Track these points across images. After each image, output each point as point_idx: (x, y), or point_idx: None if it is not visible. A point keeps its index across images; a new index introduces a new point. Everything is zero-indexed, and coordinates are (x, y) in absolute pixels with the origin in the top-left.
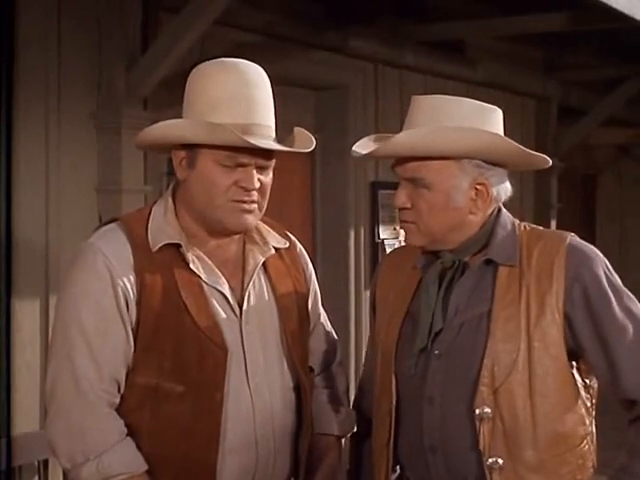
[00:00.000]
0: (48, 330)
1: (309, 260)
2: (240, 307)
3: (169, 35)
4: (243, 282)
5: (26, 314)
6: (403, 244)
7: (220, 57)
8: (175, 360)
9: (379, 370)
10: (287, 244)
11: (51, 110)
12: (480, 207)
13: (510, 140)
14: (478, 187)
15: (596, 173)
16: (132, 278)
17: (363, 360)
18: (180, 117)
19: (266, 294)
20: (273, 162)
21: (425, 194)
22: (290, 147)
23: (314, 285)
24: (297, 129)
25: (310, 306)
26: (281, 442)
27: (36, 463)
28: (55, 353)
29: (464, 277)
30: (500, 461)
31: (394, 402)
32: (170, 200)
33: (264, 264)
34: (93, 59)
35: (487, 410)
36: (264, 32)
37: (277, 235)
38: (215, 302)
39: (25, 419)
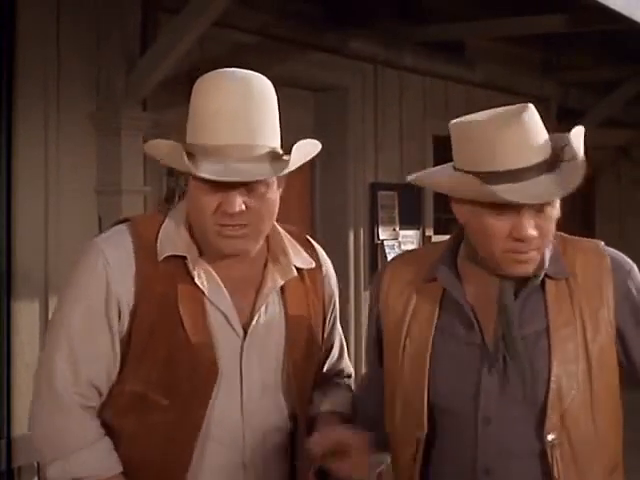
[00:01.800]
0: None
1: (334, 280)
2: (245, 329)
3: (168, 36)
4: (255, 303)
5: (25, 315)
6: (402, 249)
7: (219, 58)
8: (164, 374)
9: (401, 395)
10: (312, 264)
11: (50, 111)
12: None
13: None
14: None
15: (595, 174)
16: (130, 286)
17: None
18: (180, 118)
19: (277, 319)
20: (264, 182)
21: (551, 214)
22: (265, 173)
23: (334, 310)
24: (298, 145)
25: (325, 334)
26: (271, 469)
27: (35, 464)
28: (44, 350)
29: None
30: None
31: (425, 429)
32: (185, 209)
33: (282, 286)
34: (92, 60)
35: (556, 435)
36: (263, 33)
37: (304, 254)
38: (216, 321)
39: (24, 420)
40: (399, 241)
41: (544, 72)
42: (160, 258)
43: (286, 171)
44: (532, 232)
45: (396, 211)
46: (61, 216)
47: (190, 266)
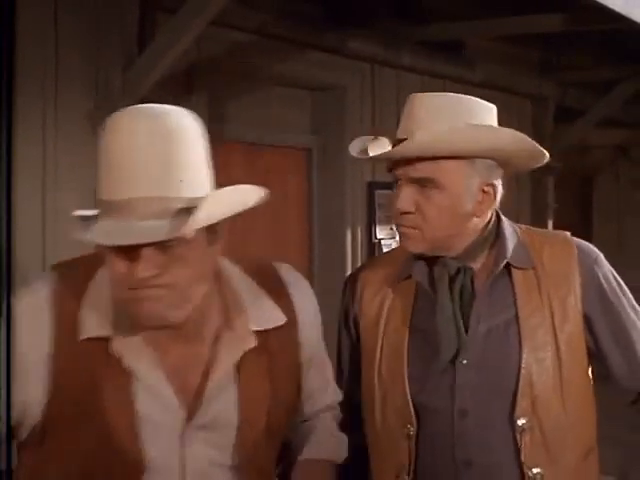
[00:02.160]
0: None
1: (315, 320)
2: (191, 415)
3: (166, 35)
4: (204, 385)
5: None
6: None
7: (217, 58)
8: (85, 465)
9: (380, 395)
10: (281, 321)
11: (48, 110)
12: (485, 210)
13: (528, 138)
14: (486, 189)
15: (593, 174)
16: (42, 380)
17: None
18: None
19: (229, 399)
20: (182, 240)
21: (435, 196)
22: (160, 233)
23: (315, 355)
24: (214, 194)
25: (301, 388)
26: None
27: None
28: None
29: (480, 283)
30: (542, 471)
31: (415, 423)
32: None
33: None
34: (90, 59)
35: (527, 420)
36: (261, 32)
37: (272, 307)
38: (148, 407)
39: None
40: (396, 240)
41: (543, 71)
42: (80, 339)
43: (186, 230)
44: (405, 206)
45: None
46: (59, 215)
47: (116, 346)
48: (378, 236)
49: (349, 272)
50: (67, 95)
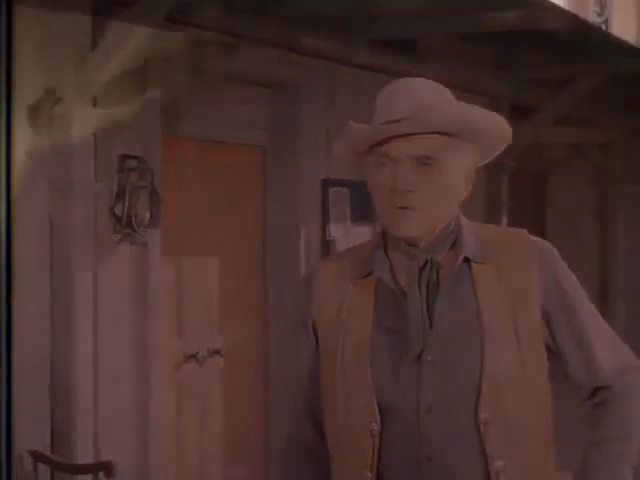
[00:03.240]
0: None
1: None
2: None
3: (120, 31)
4: None
5: None
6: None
7: (171, 54)
8: None
9: (343, 393)
10: None
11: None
12: (465, 196)
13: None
14: (466, 175)
15: (547, 172)
16: None
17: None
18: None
19: None
20: None
21: (435, 174)
22: None
23: None
24: None
25: None
26: None
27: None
28: None
29: (442, 278)
30: (504, 463)
31: (379, 421)
32: None
33: None
34: (42, 56)
35: (491, 412)
36: (217, 29)
37: None
38: None
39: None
40: (351, 238)
41: (497, 69)
42: None
43: None
44: (406, 184)
45: (348, 208)
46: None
47: None
48: (332, 234)
49: (302, 269)
50: (18, 91)
